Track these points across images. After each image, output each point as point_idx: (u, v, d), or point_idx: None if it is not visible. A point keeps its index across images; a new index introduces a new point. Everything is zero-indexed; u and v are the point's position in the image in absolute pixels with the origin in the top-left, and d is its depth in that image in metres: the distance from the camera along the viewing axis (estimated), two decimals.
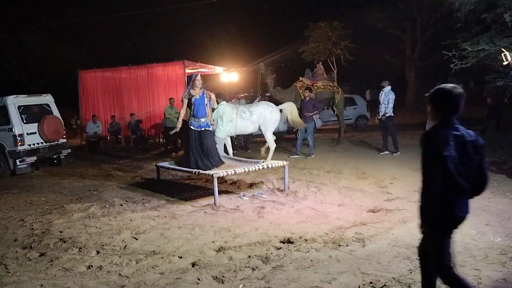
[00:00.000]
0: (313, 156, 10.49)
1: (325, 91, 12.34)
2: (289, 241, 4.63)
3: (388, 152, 10.36)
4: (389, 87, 10.23)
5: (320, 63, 13.60)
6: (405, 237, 4.65)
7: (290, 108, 8.51)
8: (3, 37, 23.67)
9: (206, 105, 7.09)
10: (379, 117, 10.35)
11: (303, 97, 11.17)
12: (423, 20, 22.06)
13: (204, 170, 6.83)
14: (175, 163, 7.89)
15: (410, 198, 6.26)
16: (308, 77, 12.38)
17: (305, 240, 4.65)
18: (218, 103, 8.04)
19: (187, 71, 14.68)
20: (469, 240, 4.49)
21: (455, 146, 2.68)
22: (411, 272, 3.74)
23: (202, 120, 7.02)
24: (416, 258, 4.03)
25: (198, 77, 7.07)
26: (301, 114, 10.70)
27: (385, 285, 3.51)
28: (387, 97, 10.13)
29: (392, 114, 10.28)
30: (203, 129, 7.04)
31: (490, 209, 5.57)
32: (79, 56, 24.11)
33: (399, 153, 10.15)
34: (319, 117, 14.65)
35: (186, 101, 7.02)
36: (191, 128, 7.06)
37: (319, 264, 4.01)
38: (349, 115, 16.99)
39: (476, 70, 10.62)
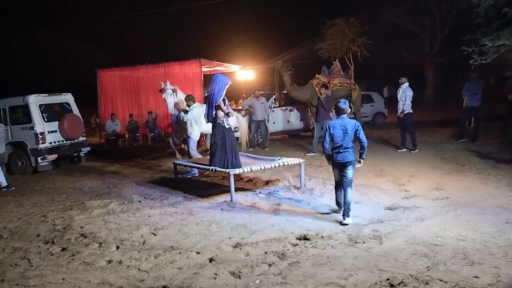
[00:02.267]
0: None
1: (342, 89, 12.28)
2: (305, 238, 4.65)
3: (406, 149, 10.25)
4: (407, 84, 10.12)
5: (337, 60, 13.56)
6: (422, 234, 4.63)
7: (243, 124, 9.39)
8: (23, 38, 24.22)
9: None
10: (397, 114, 10.26)
11: (319, 95, 11.14)
12: (442, 15, 21.73)
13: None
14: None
15: (428, 196, 6.21)
16: (325, 74, 12.34)
17: (322, 237, 4.67)
18: (189, 106, 8.64)
19: (204, 69, 14.77)
20: (489, 238, 4.44)
21: None
22: (428, 270, 3.73)
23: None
24: (434, 255, 4.03)
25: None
26: (317, 112, 10.71)
27: (402, 282, 3.51)
28: (404, 94, 10.03)
29: (411, 111, 10.17)
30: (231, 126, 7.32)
31: (510, 207, 5.49)
32: (98, 56, 24.51)
33: (417, 150, 10.04)
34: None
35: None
36: (225, 125, 7.06)
37: (335, 261, 4.03)
38: (366, 113, 16.84)
39: (496, 66, 10.43)
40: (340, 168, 5.39)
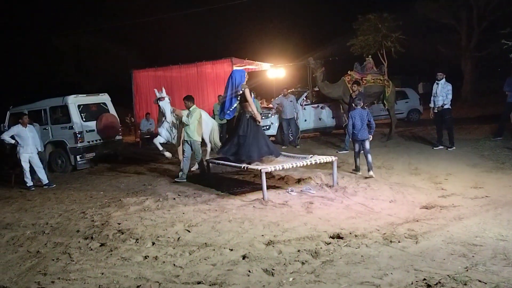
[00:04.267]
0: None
1: (375, 85, 12.07)
2: (338, 237, 4.61)
3: (442, 147, 9.97)
4: (444, 79, 9.84)
5: (370, 56, 13.32)
6: (460, 234, 4.49)
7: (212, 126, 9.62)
8: (61, 41, 25.12)
9: None
10: (435, 110, 9.97)
11: (351, 91, 10.99)
12: (480, 8, 20.91)
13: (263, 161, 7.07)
14: (217, 158, 8.28)
15: (466, 195, 6.02)
16: (357, 71, 12.16)
17: (355, 235, 4.61)
18: (189, 108, 8.38)
19: (235, 68, 14.88)
20: None
21: None
22: (467, 270, 3.62)
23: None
24: (473, 256, 3.90)
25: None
26: (349, 110, 10.54)
27: (440, 282, 3.42)
28: (444, 89, 9.75)
29: (450, 107, 9.88)
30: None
31: None
32: (133, 57, 25.07)
33: (454, 148, 9.74)
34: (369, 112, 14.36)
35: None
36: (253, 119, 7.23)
37: (370, 260, 3.97)
38: (401, 109, 16.47)
39: None
40: (359, 143, 7.89)
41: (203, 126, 9.02)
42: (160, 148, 9.07)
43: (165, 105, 8.74)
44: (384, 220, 5.15)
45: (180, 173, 8.37)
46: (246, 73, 7.40)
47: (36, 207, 7.28)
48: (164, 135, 9.14)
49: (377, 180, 7.37)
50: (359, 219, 5.27)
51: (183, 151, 8.47)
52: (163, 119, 8.88)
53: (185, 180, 8.27)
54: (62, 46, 25.39)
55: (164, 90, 8.91)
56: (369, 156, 7.69)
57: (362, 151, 7.90)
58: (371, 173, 7.54)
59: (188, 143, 8.27)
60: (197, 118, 8.31)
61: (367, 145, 7.79)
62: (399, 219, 5.14)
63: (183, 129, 8.37)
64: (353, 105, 8.23)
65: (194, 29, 27.79)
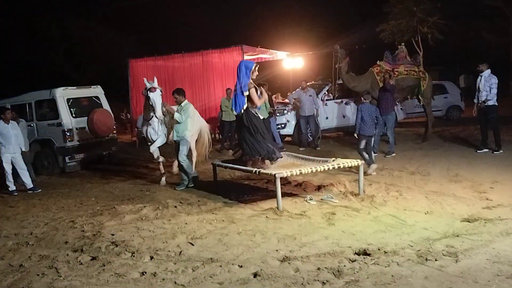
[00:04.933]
0: (393, 154, 10.26)
1: (409, 78, 12.01)
2: (365, 253, 4.58)
3: (488, 150, 9.86)
4: (488, 71, 9.74)
5: (403, 44, 13.23)
6: (508, 252, 4.43)
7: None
8: (47, 25, 25.30)
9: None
10: (478, 105, 9.86)
11: (381, 85, 10.93)
12: None
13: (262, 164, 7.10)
14: (225, 160, 8.36)
15: None
16: (388, 61, 12.11)
17: (385, 252, 4.58)
18: (180, 103, 8.33)
19: (246, 57, 14.87)
20: None
21: None
22: None
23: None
24: None
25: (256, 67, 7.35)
26: (379, 105, 10.51)
27: None
28: (488, 82, 9.65)
29: (496, 104, 9.78)
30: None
31: None
32: (129, 44, 25.27)
33: (501, 151, 9.63)
34: (401, 108, 14.30)
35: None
36: (258, 116, 7.27)
37: (401, 281, 3.94)
38: (439, 106, 16.35)
39: None
40: (366, 138, 8.68)
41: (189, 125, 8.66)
42: (155, 155, 8.90)
43: (156, 97, 8.46)
44: (419, 234, 5.10)
45: (183, 179, 8.41)
46: (254, 66, 7.22)
47: (19, 215, 7.37)
48: (158, 138, 8.85)
49: (410, 188, 7.32)
50: (389, 233, 5.23)
51: (176, 153, 8.44)
52: (151, 114, 8.65)
53: (191, 185, 8.34)
54: (49, 31, 25.63)
55: (155, 80, 8.69)
56: (373, 154, 8.89)
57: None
58: (372, 169, 8.35)
59: (176, 142, 8.35)
60: (190, 115, 8.33)
61: (373, 141, 9.00)
62: (436, 234, 5.09)
63: (172, 127, 8.42)
64: (362, 99, 9.00)
65: (200, 12, 27.92)
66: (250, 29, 26.80)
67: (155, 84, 8.57)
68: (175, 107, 8.51)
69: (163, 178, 8.94)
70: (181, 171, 8.47)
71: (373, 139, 8.97)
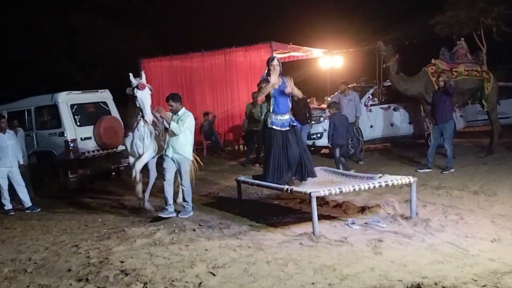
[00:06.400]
0: (452, 170, 10.12)
1: (470, 78, 11.90)
2: None
3: None
4: None
5: (462, 39, 13.11)
6: None
7: None
8: (50, 21, 25.88)
9: (289, 95, 7.39)
10: None
11: (436, 87, 10.82)
12: None
13: (291, 184, 7.10)
14: (254, 177, 8.18)
15: None
16: (445, 59, 12.03)
17: (443, 287, 4.51)
18: (176, 112, 7.92)
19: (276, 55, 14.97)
20: None
21: None
22: None
23: (286, 116, 7.34)
24: None
25: (276, 61, 7.33)
26: (434, 111, 10.41)
27: None
28: None
29: None
30: (287, 128, 7.30)
31: None
32: (142, 41, 25.59)
33: None
34: (460, 115, 14.10)
35: (266, 91, 7.25)
36: (272, 128, 7.28)
37: None
38: (507, 112, 16.03)
39: None
40: (339, 147, 10.51)
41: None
42: (134, 174, 8.35)
43: (145, 96, 7.91)
44: (484, 266, 5.00)
45: (167, 205, 7.89)
46: (274, 60, 7.30)
47: (16, 238, 7.53)
48: (146, 152, 8.33)
49: (473, 210, 7.19)
50: (448, 264, 5.15)
51: (164, 172, 7.96)
52: (138, 118, 8.14)
53: (174, 214, 7.83)
54: (49, 28, 26.21)
55: (144, 76, 8.21)
56: (344, 160, 10.68)
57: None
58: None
59: (171, 160, 7.91)
60: (189, 126, 7.99)
61: (343, 150, 10.84)
62: (504, 266, 4.99)
63: (166, 140, 8.02)
64: (330, 110, 10.75)
65: (222, 5, 28.15)
66: (280, 24, 26.94)
67: (144, 80, 8.09)
68: (169, 114, 8.15)
69: (147, 203, 8.49)
70: (165, 194, 7.90)
71: (345, 147, 10.99)
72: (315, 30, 25.10)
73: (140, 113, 7.98)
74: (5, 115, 10.43)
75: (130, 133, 8.37)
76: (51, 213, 9.15)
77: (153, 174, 8.98)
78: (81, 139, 11.25)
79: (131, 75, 8.04)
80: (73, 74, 26.50)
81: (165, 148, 8.08)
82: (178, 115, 7.96)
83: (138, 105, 7.91)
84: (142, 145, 8.30)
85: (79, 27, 26.49)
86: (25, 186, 9.57)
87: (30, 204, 9.51)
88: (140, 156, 8.33)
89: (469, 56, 12.35)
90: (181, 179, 8.09)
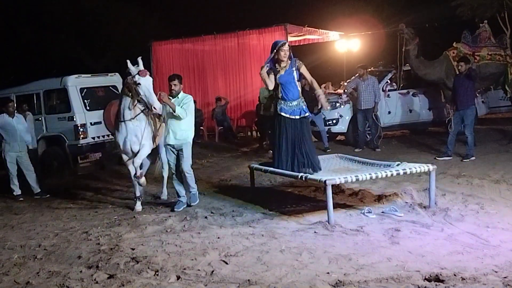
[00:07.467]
0: (473, 158, 10.06)
1: (493, 63, 11.81)
2: (437, 279, 4.50)
3: None
4: None
5: (485, 21, 12.94)
6: None
7: None
8: (60, 3, 25.89)
9: (298, 80, 7.25)
10: None
11: (458, 72, 10.72)
12: None
13: (303, 172, 7.04)
14: (263, 163, 8.20)
15: None
16: (467, 43, 11.91)
17: (462, 279, 4.49)
18: (176, 95, 7.64)
19: (290, 38, 14.88)
20: None
21: None
22: None
23: (295, 103, 7.22)
24: None
25: (286, 47, 7.12)
26: (454, 96, 10.32)
27: None
28: None
29: None
30: (297, 116, 7.20)
31: None
32: (152, 23, 25.54)
33: None
34: (482, 101, 13.97)
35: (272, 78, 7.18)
36: (281, 115, 7.22)
37: None
38: None
39: None
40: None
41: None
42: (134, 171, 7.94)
43: (150, 83, 7.54)
44: (505, 257, 4.98)
45: (181, 197, 7.87)
46: (281, 45, 7.10)
47: (26, 224, 7.63)
48: (142, 148, 7.87)
49: (494, 199, 7.15)
50: (468, 255, 5.13)
51: (170, 167, 7.93)
52: (138, 110, 7.74)
53: (191, 203, 7.85)
54: (59, 10, 26.27)
55: (141, 62, 7.65)
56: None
57: None
58: None
59: (172, 148, 7.73)
60: (191, 108, 7.76)
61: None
62: None
63: (166, 127, 7.74)
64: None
65: None
66: (295, 5, 26.68)
67: (141, 66, 7.61)
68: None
69: (139, 203, 8.00)
70: (176, 186, 7.90)
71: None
72: (332, 12, 24.85)
73: (144, 102, 7.54)
74: (13, 99, 10.51)
75: (123, 127, 7.78)
76: (61, 199, 9.25)
77: (146, 163, 8.75)
78: (90, 123, 11.28)
79: (128, 62, 7.57)
80: (83, 58, 26.57)
81: (164, 136, 7.82)
82: (178, 98, 7.67)
83: (142, 94, 7.44)
84: (138, 141, 7.80)
85: (89, 10, 26.49)
86: (34, 171, 9.65)
87: (38, 190, 9.61)
88: (135, 154, 7.90)
89: (493, 40, 12.24)
90: (183, 165, 7.74)
